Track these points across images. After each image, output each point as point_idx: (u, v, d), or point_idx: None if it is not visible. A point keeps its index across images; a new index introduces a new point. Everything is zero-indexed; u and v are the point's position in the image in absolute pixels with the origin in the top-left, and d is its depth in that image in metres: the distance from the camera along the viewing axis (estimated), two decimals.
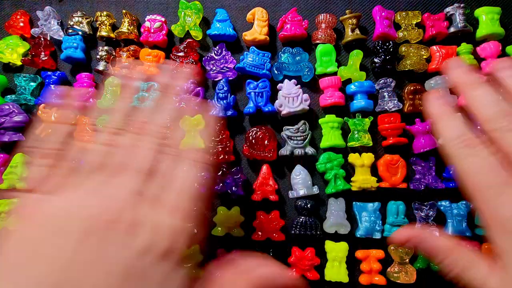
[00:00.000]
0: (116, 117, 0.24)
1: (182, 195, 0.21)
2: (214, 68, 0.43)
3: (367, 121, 0.41)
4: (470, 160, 0.22)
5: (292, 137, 0.41)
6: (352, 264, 0.41)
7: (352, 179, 0.41)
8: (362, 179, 0.40)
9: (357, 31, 0.44)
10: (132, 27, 0.45)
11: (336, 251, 0.39)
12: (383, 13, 0.43)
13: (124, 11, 0.45)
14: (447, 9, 0.44)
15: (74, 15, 0.45)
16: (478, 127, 0.24)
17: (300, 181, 0.40)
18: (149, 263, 0.18)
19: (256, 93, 0.42)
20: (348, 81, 0.43)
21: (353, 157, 0.41)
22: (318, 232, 0.39)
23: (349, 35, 0.44)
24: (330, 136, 0.41)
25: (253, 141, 0.41)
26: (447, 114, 0.25)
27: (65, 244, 0.17)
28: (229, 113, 0.42)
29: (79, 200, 0.19)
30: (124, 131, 0.23)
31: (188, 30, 0.45)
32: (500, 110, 0.22)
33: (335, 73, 0.43)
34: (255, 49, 0.43)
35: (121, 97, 0.26)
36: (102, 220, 0.18)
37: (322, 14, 0.44)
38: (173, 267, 0.19)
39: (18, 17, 0.46)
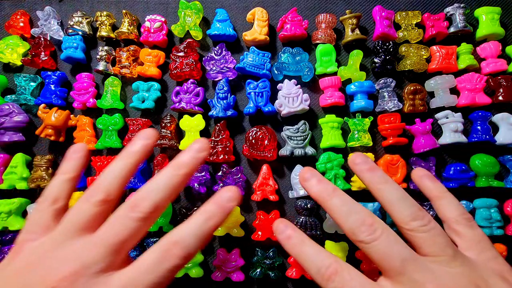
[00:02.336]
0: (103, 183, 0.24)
1: (130, 284, 0.20)
2: (214, 68, 0.43)
3: (367, 121, 0.41)
4: None
5: (292, 137, 0.41)
6: (352, 264, 0.41)
7: (352, 179, 0.41)
8: None
9: (357, 31, 0.44)
10: (132, 27, 0.45)
11: (336, 251, 0.39)
12: (383, 13, 0.43)
13: (124, 11, 0.45)
14: (447, 9, 0.44)
15: (74, 15, 0.45)
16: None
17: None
18: None
19: (256, 93, 0.42)
20: (348, 81, 0.43)
21: None
22: (318, 232, 0.40)
23: (349, 35, 0.44)
24: (330, 136, 0.41)
25: (253, 141, 0.41)
26: (300, 243, 0.26)
27: None
28: (229, 113, 0.42)
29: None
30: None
31: (188, 30, 0.45)
32: (355, 220, 0.24)
33: (335, 73, 0.43)
34: (255, 49, 0.43)
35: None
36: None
37: (322, 14, 0.44)
38: None
39: (18, 17, 0.46)
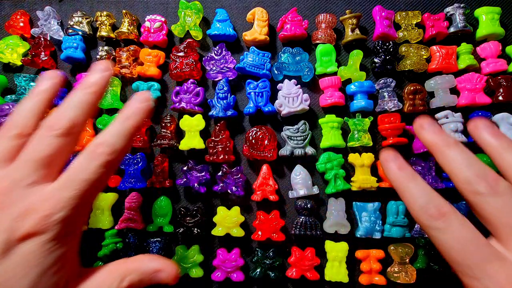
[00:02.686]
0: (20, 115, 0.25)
1: (65, 186, 0.22)
2: (214, 68, 0.43)
3: (367, 121, 0.41)
4: (442, 237, 0.21)
5: (292, 137, 0.41)
6: (352, 264, 0.41)
7: (352, 179, 0.41)
8: (362, 179, 0.40)
9: (357, 31, 0.44)
10: (132, 27, 0.45)
11: (336, 251, 0.39)
12: (383, 13, 0.43)
13: (124, 11, 0.45)
14: (447, 9, 0.44)
15: (74, 15, 0.45)
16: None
17: (300, 181, 0.40)
18: (11, 242, 0.20)
19: (256, 93, 0.42)
20: (348, 81, 0.43)
21: (353, 157, 0.41)
22: (318, 232, 0.40)
23: (349, 35, 0.44)
24: (330, 136, 0.41)
25: (253, 141, 0.41)
26: (407, 179, 0.25)
27: None
28: (229, 113, 0.42)
29: None
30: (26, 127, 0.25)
31: (188, 30, 0.45)
32: (477, 171, 0.22)
33: (335, 73, 0.43)
34: (255, 49, 0.43)
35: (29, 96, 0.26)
36: None
37: (322, 14, 0.44)
38: (38, 248, 0.21)
39: (18, 17, 0.46)
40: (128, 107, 0.26)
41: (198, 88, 0.43)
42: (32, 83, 0.45)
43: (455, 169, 0.23)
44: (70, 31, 0.45)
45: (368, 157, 0.41)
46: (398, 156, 0.26)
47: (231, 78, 0.43)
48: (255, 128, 0.41)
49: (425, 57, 0.43)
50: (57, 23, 0.46)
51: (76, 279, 0.23)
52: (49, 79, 0.27)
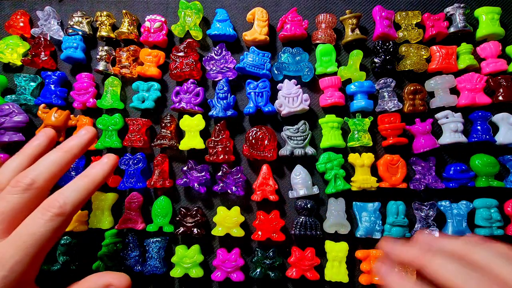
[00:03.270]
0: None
1: (13, 245, 0.23)
2: (214, 68, 0.43)
3: (367, 121, 0.41)
4: None
5: (292, 137, 0.41)
6: (352, 264, 0.41)
7: (352, 179, 0.41)
8: (362, 179, 0.40)
9: (357, 31, 0.44)
10: (132, 27, 0.45)
11: (336, 251, 0.39)
12: (383, 13, 0.43)
13: (124, 11, 0.45)
14: (447, 9, 0.44)
15: (74, 15, 0.45)
16: None
17: (300, 181, 0.40)
18: None
19: (256, 93, 0.42)
20: (348, 81, 0.43)
21: (353, 157, 0.41)
22: (318, 232, 0.40)
23: (349, 35, 0.44)
24: (330, 136, 0.41)
25: (253, 141, 0.41)
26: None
27: None
28: (229, 113, 0.42)
29: None
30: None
31: (188, 30, 0.45)
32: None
33: (335, 73, 0.43)
34: (255, 49, 0.43)
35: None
36: None
37: (322, 14, 0.44)
38: None
39: (18, 17, 0.46)
40: (92, 165, 0.28)
41: (198, 88, 0.43)
42: (32, 83, 0.45)
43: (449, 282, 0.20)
44: (70, 31, 0.45)
45: (368, 157, 0.41)
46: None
47: (231, 78, 0.43)
48: (255, 128, 0.41)
49: (425, 57, 0.43)
50: (57, 23, 0.46)
51: None
52: (40, 139, 0.29)
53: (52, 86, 0.44)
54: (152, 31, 0.44)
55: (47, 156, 0.27)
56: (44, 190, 0.25)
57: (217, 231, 0.40)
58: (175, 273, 0.40)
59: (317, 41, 0.44)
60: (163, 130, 0.42)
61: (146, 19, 0.45)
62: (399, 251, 0.25)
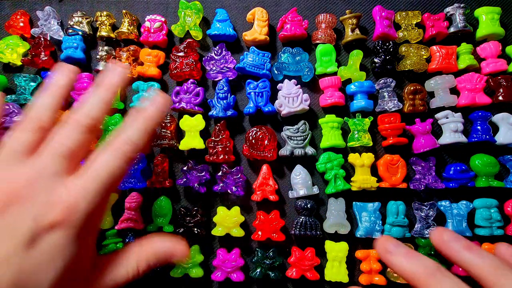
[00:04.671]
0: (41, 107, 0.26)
1: (91, 179, 0.22)
2: (214, 68, 0.43)
3: (367, 121, 0.41)
4: None
5: (292, 137, 0.41)
6: (352, 264, 0.41)
7: (352, 179, 0.41)
8: (362, 179, 0.40)
9: (357, 31, 0.44)
10: (132, 27, 0.45)
11: (336, 251, 0.39)
12: (383, 13, 0.43)
13: (124, 11, 0.45)
14: (447, 9, 0.44)
15: (74, 15, 0.45)
16: None
17: (300, 181, 0.40)
18: (38, 232, 0.20)
19: (256, 93, 0.42)
20: (348, 81, 0.43)
21: (353, 157, 0.41)
22: (318, 232, 0.39)
23: (349, 35, 0.44)
24: (330, 136, 0.41)
25: (253, 141, 0.41)
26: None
27: None
28: (229, 113, 0.42)
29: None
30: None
31: (188, 30, 0.45)
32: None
33: (335, 73, 0.43)
34: (255, 49, 0.43)
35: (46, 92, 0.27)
36: (11, 196, 0.21)
37: (322, 14, 0.44)
38: (64, 238, 0.21)
39: (18, 17, 0.46)
40: (151, 103, 0.26)
41: (198, 88, 0.43)
42: (32, 83, 0.45)
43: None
44: (70, 31, 0.45)
45: (368, 157, 0.41)
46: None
47: (231, 78, 0.43)
48: (255, 128, 0.41)
49: (425, 57, 0.43)
50: (57, 23, 0.46)
51: (95, 268, 0.24)
52: (66, 74, 0.27)
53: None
54: (152, 31, 0.44)
55: (98, 95, 0.26)
56: (100, 130, 0.26)
57: (217, 231, 0.40)
58: (175, 273, 0.40)
59: (317, 41, 0.44)
60: (163, 130, 0.42)
61: (146, 19, 0.45)
62: (399, 255, 0.22)
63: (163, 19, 0.45)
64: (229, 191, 0.41)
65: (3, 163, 0.23)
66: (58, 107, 0.26)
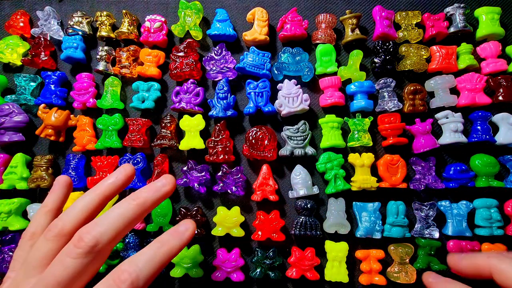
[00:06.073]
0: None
1: None
2: (214, 68, 0.43)
3: (367, 121, 0.41)
4: None
5: (292, 137, 0.41)
6: (352, 264, 0.41)
7: (352, 179, 0.41)
8: (362, 179, 0.40)
9: (357, 31, 0.44)
10: (132, 27, 0.45)
11: (336, 251, 0.39)
12: (383, 13, 0.43)
13: (124, 11, 0.45)
14: (447, 9, 0.44)
15: (74, 15, 0.45)
16: None
17: (300, 181, 0.40)
18: None
19: (256, 93, 0.42)
20: (348, 81, 0.43)
21: (353, 157, 0.41)
22: (318, 232, 0.39)
23: (349, 35, 0.44)
24: (330, 136, 0.41)
25: (253, 141, 0.41)
26: None
27: None
28: (229, 113, 0.42)
29: None
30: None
31: (188, 30, 0.45)
32: None
33: (335, 73, 0.43)
34: (255, 49, 0.43)
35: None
36: None
37: (322, 14, 0.44)
38: None
39: (18, 17, 0.46)
40: (169, 231, 0.24)
41: (198, 88, 0.43)
42: (32, 83, 0.45)
43: None
44: (70, 31, 0.45)
45: (368, 157, 0.41)
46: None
47: (231, 78, 0.43)
48: (255, 128, 0.41)
49: (425, 57, 0.43)
50: (57, 23, 0.46)
51: None
52: (122, 175, 0.26)
53: (52, 86, 0.44)
54: (152, 31, 0.44)
55: (117, 209, 0.23)
56: (107, 250, 0.22)
57: (217, 231, 0.40)
58: (175, 273, 0.40)
59: (317, 41, 0.44)
60: (163, 130, 0.42)
61: (146, 19, 0.45)
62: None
63: (163, 19, 0.45)
64: (229, 191, 0.41)
65: (19, 278, 0.22)
66: (92, 214, 0.24)
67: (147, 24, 0.44)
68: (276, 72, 0.43)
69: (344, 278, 0.39)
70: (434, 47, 0.43)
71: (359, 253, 0.40)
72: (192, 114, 0.43)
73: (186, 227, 0.24)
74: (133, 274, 0.20)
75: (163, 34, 0.44)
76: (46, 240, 0.22)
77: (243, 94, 0.44)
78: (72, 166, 0.42)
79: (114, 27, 0.47)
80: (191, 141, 0.42)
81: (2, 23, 0.48)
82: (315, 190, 0.41)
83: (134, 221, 0.23)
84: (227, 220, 0.40)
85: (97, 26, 0.46)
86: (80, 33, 0.45)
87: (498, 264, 0.22)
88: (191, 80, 0.43)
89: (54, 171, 0.44)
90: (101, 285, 0.20)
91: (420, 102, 0.42)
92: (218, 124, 0.42)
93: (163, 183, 0.25)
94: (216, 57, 0.44)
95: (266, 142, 0.41)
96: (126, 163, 0.26)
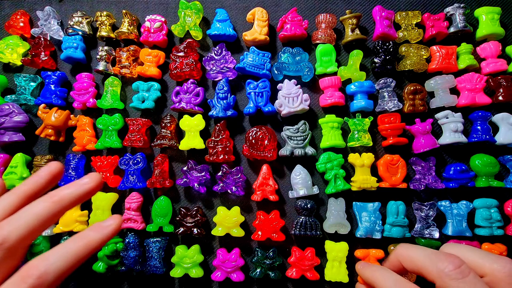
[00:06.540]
0: None
1: None
2: (214, 68, 0.43)
3: (367, 121, 0.41)
4: None
5: (292, 137, 0.41)
6: (352, 264, 0.41)
7: (352, 179, 0.41)
8: (362, 179, 0.40)
9: (357, 31, 0.44)
10: (132, 27, 0.45)
11: (336, 251, 0.39)
12: (383, 13, 0.43)
13: (124, 11, 0.45)
14: (447, 9, 0.44)
15: (74, 15, 0.45)
16: None
17: (300, 181, 0.40)
18: None
19: (256, 93, 0.42)
20: (348, 81, 0.43)
21: (353, 157, 0.41)
22: (318, 232, 0.39)
23: (349, 35, 0.44)
24: (330, 136, 0.41)
25: (253, 141, 0.41)
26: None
27: None
28: (229, 113, 0.42)
29: None
30: None
31: (188, 30, 0.45)
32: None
33: (335, 73, 0.43)
34: (255, 49, 0.43)
35: None
36: None
37: (322, 14, 0.44)
38: None
39: (18, 17, 0.46)
40: (91, 226, 0.23)
41: (198, 88, 0.43)
42: (32, 83, 0.45)
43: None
44: (70, 31, 0.45)
45: (368, 157, 0.41)
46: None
47: (231, 78, 0.43)
48: (255, 128, 0.41)
49: (425, 57, 0.43)
50: (57, 23, 0.46)
51: None
52: (45, 173, 0.25)
53: (52, 86, 0.44)
54: (152, 31, 0.44)
55: (30, 207, 0.22)
56: (19, 249, 0.21)
57: (217, 231, 0.40)
58: (175, 273, 0.40)
59: (317, 41, 0.44)
60: (163, 130, 0.42)
61: (146, 19, 0.45)
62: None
63: (163, 19, 0.45)
64: (229, 191, 0.41)
65: None
66: (12, 211, 0.23)
67: (147, 24, 0.44)
68: (276, 72, 0.43)
69: (344, 278, 0.39)
70: (434, 47, 0.43)
71: (358, 253, 0.40)
72: (192, 114, 0.43)
73: (110, 222, 0.24)
74: (42, 269, 0.20)
75: (163, 34, 0.44)
76: None
77: (243, 94, 0.44)
78: (72, 166, 0.42)
79: (114, 27, 0.47)
80: (191, 141, 0.42)
81: (2, 23, 0.48)
82: (315, 190, 0.41)
83: (51, 219, 0.22)
84: (227, 220, 0.40)
85: (97, 26, 0.46)
86: (80, 33, 0.45)
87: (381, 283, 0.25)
88: (191, 80, 0.43)
89: None
90: (8, 281, 0.20)
91: (420, 102, 0.42)
92: (218, 124, 0.42)
93: (86, 181, 0.24)
94: (216, 57, 0.44)
95: (266, 142, 0.41)
96: (53, 161, 0.25)
